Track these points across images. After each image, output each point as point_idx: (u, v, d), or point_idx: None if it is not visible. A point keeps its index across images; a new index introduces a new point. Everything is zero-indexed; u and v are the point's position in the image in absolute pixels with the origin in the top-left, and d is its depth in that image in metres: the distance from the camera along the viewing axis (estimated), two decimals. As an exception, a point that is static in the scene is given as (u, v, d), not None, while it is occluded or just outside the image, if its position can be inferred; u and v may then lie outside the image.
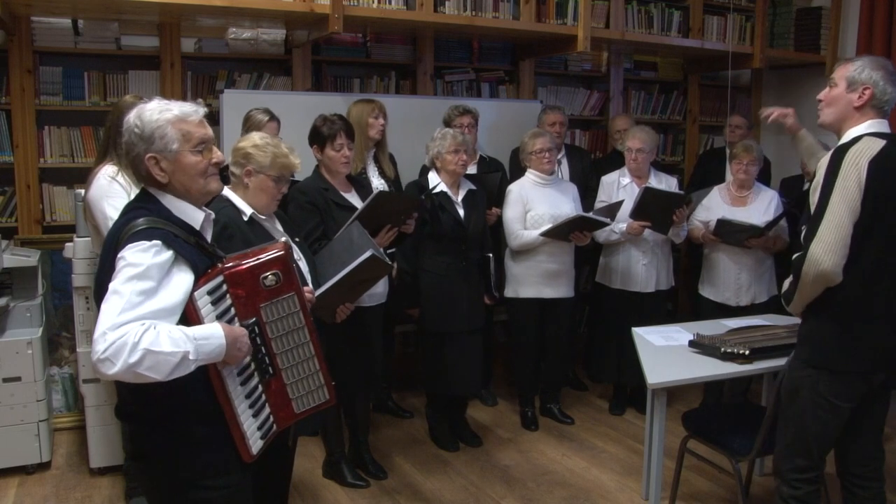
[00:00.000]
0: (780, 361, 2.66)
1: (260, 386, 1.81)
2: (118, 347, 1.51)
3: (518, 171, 3.97)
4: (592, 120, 5.30)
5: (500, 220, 3.83)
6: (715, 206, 3.88)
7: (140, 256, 1.59)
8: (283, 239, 2.14)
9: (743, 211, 3.83)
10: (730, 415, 3.12)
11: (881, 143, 2.18)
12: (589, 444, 3.80)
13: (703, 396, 4.17)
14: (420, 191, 3.43)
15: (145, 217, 1.66)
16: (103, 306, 1.57)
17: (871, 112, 2.26)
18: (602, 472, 3.48)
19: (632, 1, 4.83)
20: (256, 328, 1.77)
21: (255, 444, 1.80)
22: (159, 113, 1.72)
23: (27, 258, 3.44)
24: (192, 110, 1.76)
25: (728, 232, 3.74)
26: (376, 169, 3.64)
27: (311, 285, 2.38)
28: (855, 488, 2.46)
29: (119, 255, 1.61)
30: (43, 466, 3.41)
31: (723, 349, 2.82)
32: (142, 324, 1.54)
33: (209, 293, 1.69)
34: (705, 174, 4.64)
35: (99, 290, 1.68)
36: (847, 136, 2.27)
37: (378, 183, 3.57)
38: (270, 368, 1.83)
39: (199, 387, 1.69)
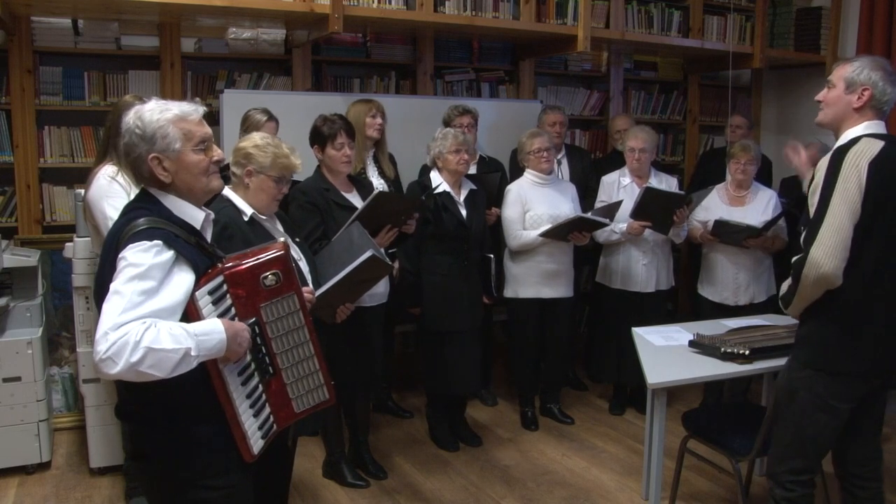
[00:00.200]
0: (780, 361, 2.65)
1: (260, 386, 1.82)
2: (120, 347, 1.51)
3: (518, 172, 3.97)
4: (592, 120, 5.30)
5: (499, 220, 3.84)
6: (713, 206, 3.88)
7: (141, 256, 1.59)
8: (282, 239, 2.15)
9: (740, 211, 3.83)
10: (730, 415, 3.12)
11: (880, 144, 2.17)
12: (589, 444, 3.80)
13: (703, 396, 4.17)
14: (423, 190, 3.43)
15: (146, 217, 1.66)
16: (105, 306, 1.57)
17: (870, 113, 2.25)
18: (602, 472, 3.49)
19: (632, 1, 4.83)
20: (257, 328, 1.77)
21: (256, 443, 1.80)
22: (160, 113, 1.72)
23: (27, 258, 3.44)
24: (191, 109, 1.76)
25: (726, 232, 3.74)
26: (376, 169, 3.64)
27: (311, 285, 2.39)
28: (854, 489, 2.46)
29: (120, 256, 1.61)
30: (43, 466, 3.41)
31: (723, 349, 2.82)
32: (143, 322, 1.54)
33: (210, 293, 1.69)
34: (706, 174, 4.64)
35: (99, 290, 1.68)
36: (845, 137, 2.25)
37: (378, 183, 3.57)
38: (270, 368, 1.83)
39: (199, 387, 1.69)
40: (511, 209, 3.77)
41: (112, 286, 1.58)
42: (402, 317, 3.82)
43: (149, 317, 1.56)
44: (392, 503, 3.20)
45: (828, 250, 2.14)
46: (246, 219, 2.36)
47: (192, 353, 1.58)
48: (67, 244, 3.28)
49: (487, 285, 3.67)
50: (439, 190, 3.44)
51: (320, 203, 3.04)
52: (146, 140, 1.70)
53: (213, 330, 1.63)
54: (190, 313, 1.65)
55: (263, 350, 1.80)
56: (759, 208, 3.83)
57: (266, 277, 1.76)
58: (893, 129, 2.53)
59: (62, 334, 3.85)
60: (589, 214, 3.68)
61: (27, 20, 3.74)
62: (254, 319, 1.76)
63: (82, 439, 3.48)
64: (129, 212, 1.73)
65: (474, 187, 3.62)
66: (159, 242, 1.62)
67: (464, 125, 3.84)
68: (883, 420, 2.48)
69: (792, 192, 4.28)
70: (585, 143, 5.23)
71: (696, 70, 5.50)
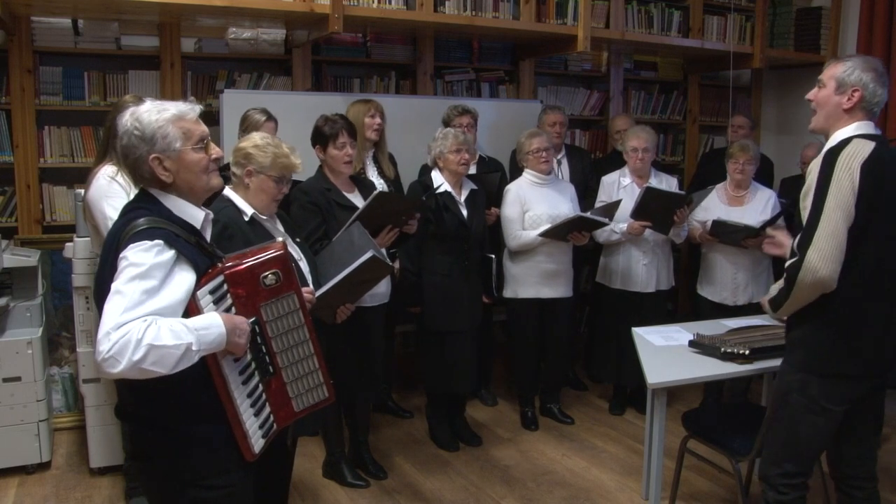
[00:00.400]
0: (780, 361, 2.66)
1: (260, 385, 1.82)
2: (122, 346, 1.51)
3: (517, 172, 3.97)
4: (592, 120, 5.30)
5: (498, 221, 3.84)
6: (712, 206, 3.88)
7: (142, 256, 1.59)
8: (280, 239, 2.15)
9: (739, 210, 3.83)
10: (730, 415, 3.12)
11: (871, 145, 2.15)
12: (589, 444, 3.80)
13: (703, 396, 4.17)
14: (425, 190, 3.43)
15: (146, 217, 1.66)
16: (106, 306, 1.57)
17: (860, 114, 2.22)
18: (602, 472, 3.49)
19: (632, 1, 4.84)
20: (257, 327, 1.77)
21: (257, 443, 1.80)
22: (157, 113, 1.72)
23: (27, 258, 3.44)
24: (188, 108, 1.77)
25: (724, 232, 3.75)
26: (376, 169, 3.64)
27: (311, 286, 2.39)
28: (851, 490, 2.45)
29: (121, 255, 1.61)
30: (43, 466, 3.41)
31: (723, 349, 2.82)
32: (143, 320, 1.55)
33: (211, 292, 1.69)
34: (707, 174, 4.64)
35: (99, 290, 1.69)
36: (835, 139, 2.23)
37: (378, 183, 3.57)
38: (270, 367, 1.83)
39: (200, 386, 1.69)
40: (510, 209, 3.77)
41: (113, 286, 1.59)
42: (403, 317, 3.82)
43: (150, 316, 1.56)
44: (392, 503, 3.20)
45: (824, 254, 2.12)
46: (246, 219, 2.37)
47: (194, 348, 1.59)
48: (67, 244, 3.28)
49: (488, 285, 3.67)
50: (441, 190, 3.44)
51: (322, 203, 3.04)
52: (146, 141, 1.70)
53: (212, 324, 1.64)
54: (191, 313, 1.65)
55: (263, 349, 1.80)
56: (757, 208, 3.83)
57: (266, 277, 1.76)
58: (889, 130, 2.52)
59: (62, 334, 3.85)
60: (588, 214, 3.68)
61: (27, 20, 3.74)
62: (254, 319, 1.76)
63: (82, 439, 3.48)
64: (129, 212, 1.73)
65: (475, 187, 3.62)
66: (160, 242, 1.62)
67: (463, 125, 3.84)
68: (882, 420, 2.47)
69: (791, 193, 4.28)
70: (585, 143, 5.23)
71: (696, 70, 5.50)
